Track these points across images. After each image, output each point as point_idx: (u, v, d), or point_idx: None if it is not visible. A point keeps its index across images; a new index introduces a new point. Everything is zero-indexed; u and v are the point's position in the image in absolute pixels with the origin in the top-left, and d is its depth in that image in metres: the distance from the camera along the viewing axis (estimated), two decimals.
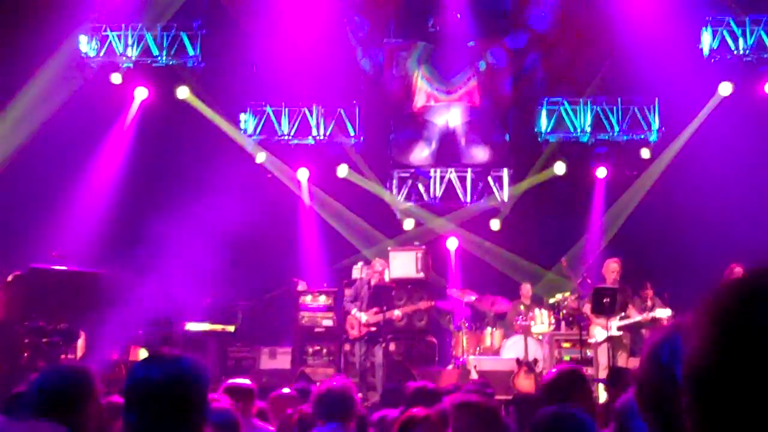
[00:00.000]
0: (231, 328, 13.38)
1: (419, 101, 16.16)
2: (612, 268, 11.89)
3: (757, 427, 1.08)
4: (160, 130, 15.21)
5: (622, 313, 11.69)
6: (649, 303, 12.42)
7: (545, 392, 4.02)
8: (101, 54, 15.21)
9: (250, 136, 15.76)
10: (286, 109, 15.76)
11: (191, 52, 15.33)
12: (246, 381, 5.67)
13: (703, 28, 14.91)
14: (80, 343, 11.35)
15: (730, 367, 1.11)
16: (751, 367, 1.09)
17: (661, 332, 1.85)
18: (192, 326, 13.11)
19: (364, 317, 11.89)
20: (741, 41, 14.76)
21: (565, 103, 15.55)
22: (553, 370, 4.69)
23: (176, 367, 2.59)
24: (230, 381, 5.62)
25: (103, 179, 14.77)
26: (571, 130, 15.52)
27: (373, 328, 11.93)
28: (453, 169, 15.87)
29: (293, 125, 15.77)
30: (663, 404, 1.80)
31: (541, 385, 3.88)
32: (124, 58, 15.27)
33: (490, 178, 15.79)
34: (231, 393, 5.08)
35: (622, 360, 11.53)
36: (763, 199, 13.95)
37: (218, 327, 13.32)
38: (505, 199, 15.73)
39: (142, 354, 11.58)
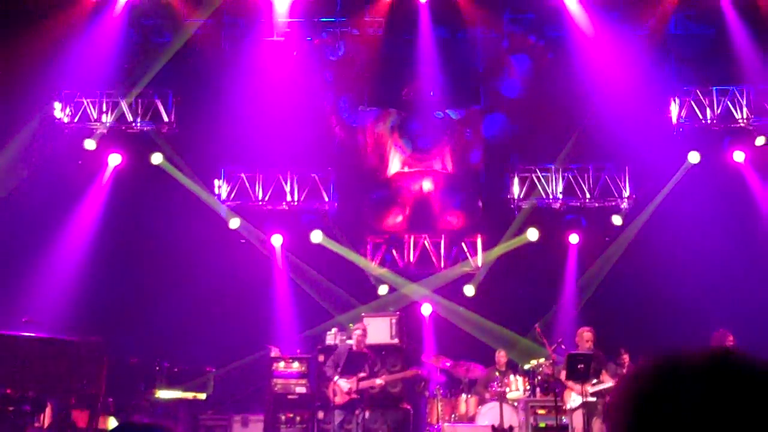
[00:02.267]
0: (202, 395, 13.19)
1: (393, 168, 16.29)
2: (586, 337, 11.92)
3: None
4: (133, 196, 15.19)
5: (596, 380, 11.68)
6: (626, 370, 12.45)
7: None
8: (75, 120, 15.22)
9: (224, 201, 15.76)
10: (260, 175, 15.81)
11: (165, 118, 15.40)
12: None
13: (672, 98, 15.24)
14: (47, 411, 11.10)
15: None
16: None
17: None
18: (163, 393, 12.90)
19: (345, 385, 11.73)
20: (708, 111, 15.09)
21: (537, 170, 15.73)
22: None
23: None
24: None
25: (76, 244, 14.67)
26: (543, 196, 15.69)
27: (356, 396, 11.77)
28: (427, 236, 15.93)
29: (267, 191, 15.81)
30: None
31: None
32: (98, 124, 15.29)
33: (463, 244, 15.86)
34: None
35: (597, 426, 11.48)
36: (732, 265, 14.13)
37: (189, 394, 13.12)
38: (479, 265, 15.78)
39: (112, 422, 11.37)
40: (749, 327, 12.27)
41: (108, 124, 15.33)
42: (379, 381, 12.10)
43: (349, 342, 12.60)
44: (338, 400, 11.76)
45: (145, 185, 15.31)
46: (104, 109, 15.34)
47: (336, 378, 11.82)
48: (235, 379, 13.84)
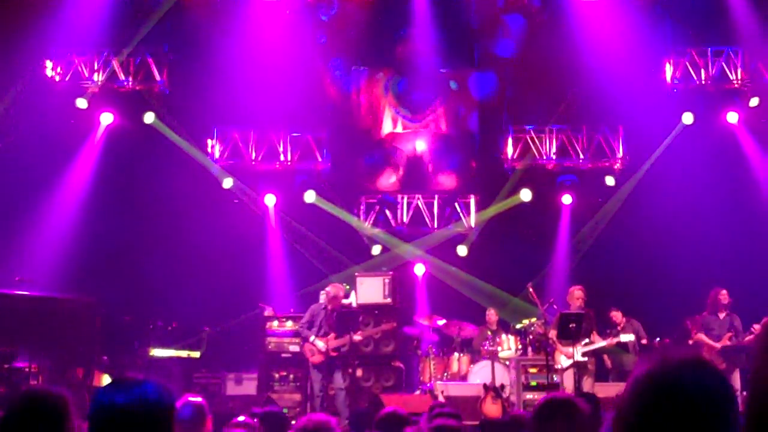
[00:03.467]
0: (196, 354, 13.28)
1: (386, 128, 16.25)
2: (576, 295, 12.01)
3: None
4: (125, 155, 15.14)
5: (587, 339, 11.79)
6: (619, 327, 12.57)
7: (534, 415, 4.05)
8: (67, 79, 15.10)
9: (216, 161, 15.72)
10: (254, 135, 15.76)
11: (158, 77, 15.30)
12: (197, 399, 5.58)
13: (666, 59, 15.18)
14: (42, 369, 11.17)
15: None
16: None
17: (646, 365, 1.88)
18: (157, 351, 12.99)
19: (321, 344, 11.74)
20: (703, 72, 15.04)
21: (531, 131, 15.71)
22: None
23: (140, 392, 2.57)
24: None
25: (69, 204, 14.65)
26: (537, 157, 15.68)
27: (333, 354, 11.80)
28: (420, 196, 15.93)
29: (260, 151, 15.78)
30: None
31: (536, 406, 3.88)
32: (89, 83, 15.19)
33: (457, 205, 15.87)
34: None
35: (588, 385, 11.61)
36: (724, 224, 14.19)
37: (183, 353, 13.21)
38: (472, 226, 15.82)
39: (106, 380, 11.45)
40: (741, 285, 12.37)
41: (99, 83, 15.22)
42: (356, 337, 12.12)
43: (322, 302, 12.62)
44: (315, 359, 11.78)
45: (138, 145, 15.25)
46: (96, 68, 15.22)
47: (311, 338, 11.82)
48: (228, 337, 13.91)
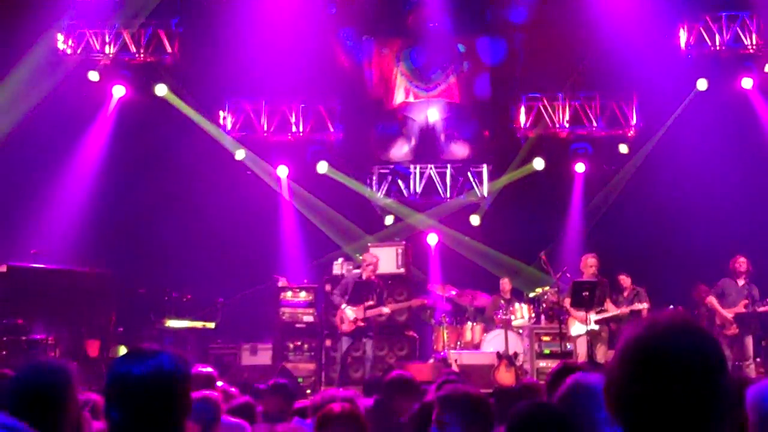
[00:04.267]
0: (211, 325, 13.37)
1: (398, 98, 16.19)
2: (590, 263, 11.99)
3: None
4: (138, 127, 15.15)
5: (600, 307, 11.79)
6: (627, 294, 12.53)
7: (547, 383, 4.09)
8: (78, 51, 15.10)
9: (229, 133, 15.72)
10: (266, 107, 15.74)
11: (169, 50, 15.26)
12: (207, 368, 5.61)
13: (680, 25, 15.03)
14: (59, 341, 11.29)
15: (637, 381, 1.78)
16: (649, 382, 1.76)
17: (634, 329, 1.88)
18: (172, 323, 13.08)
19: (351, 312, 11.87)
20: (717, 37, 14.89)
21: (544, 99, 15.62)
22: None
23: (156, 362, 2.60)
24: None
25: (82, 176, 14.70)
26: (550, 125, 15.60)
27: (362, 324, 11.92)
28: (432, 166, 15.90)
29: (272, 122, 15.76)
30: (628, 400, 1.82)
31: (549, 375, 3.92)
32: (101, 55, 15.17)
33: (469, 174, 15.84)
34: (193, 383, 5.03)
35: (601, 353, 11.64)
36: (739, 191, 14.11)
37: (198, 324, 13.30)
38: (485, 195, 15.79)
39: (122, 351, 11.56)
40: (756, 252, 12.31)
41: (111, 56, 15.21)
42: (386, 309, 12.25)
43: (356, 271, 12.71)
44: (345, 327, 11.92)
45: (150, 117, 15.25)
46: (107, 40, 15.20)
47: (343, 306, 11.95)
48: (243, 308, 13.99)
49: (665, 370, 1.76)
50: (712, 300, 12.14)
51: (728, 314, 11.84)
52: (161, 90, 15.36)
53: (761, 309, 11.69)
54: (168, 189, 14.74)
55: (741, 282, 12.07)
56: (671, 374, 1.75)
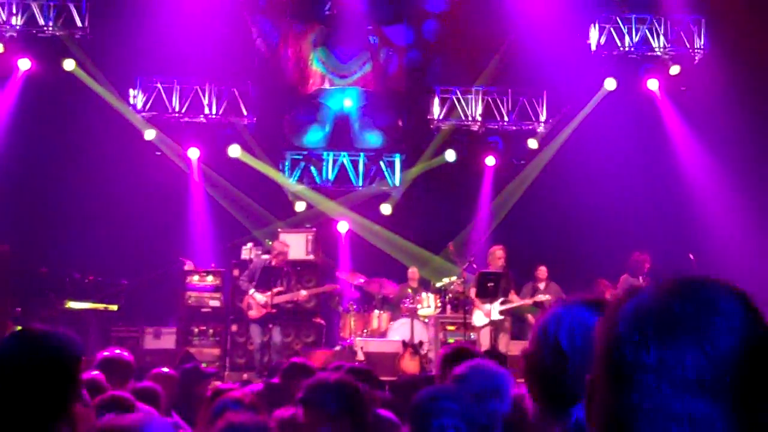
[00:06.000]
0: (114, 307, 13.10)
1: (314, 84, 16.13)
2: (497, 255, 12.22)
3: None
4: (44, 103, 14.69)
5: (504, 298, 12.02)
6: (542, 285, 12.78)
7: (440, 365, 4.19)
8: None
9: (139, 112, 15.38)
10: (178, 86, 15.45)
11: (79, 23, 14.84)
12: (124, 353, 5.53)
13: (592, 25, 15.39)
14: None
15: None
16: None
17: (550, 309, 2.03)
18: (73, 304, 12.77)
19: (260, 297, 11.78)
20: (627, 38, 15.30)
21: (457, 91, 15.78)
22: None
23: (42, 342, 2.55)
24: (106, 353, 5.46)
25: None
26: (462, 118, 15.78)
27: (273, 310, 11.84)
28: (346, 153, 15.91)
29: (184, 103, 15.49)
30: (548, 372, 1.91)
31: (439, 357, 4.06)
32: (7, 27, 14.66)
33: (382, 163, 15.91)
34: (106, 368, 4.97)
35: (503, 343, 11.88)
36: (642, 189, 14.57)
37: (101, 306, 13.01)
38: (397, 184, 15.89)
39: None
40: (660, 247, 12.70)
41: (18, 27, 14.71)
42: (303, 292, 12.21)
43: (265, 257, 12.64)
44: (253, 314, 11.83)
45: (57, 92, 14.80)
46: (14, 11, 14.69)
47: (251, 291, 11.87)
48: (147, 291, 13.75)
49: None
50: (612, 295, 12.46)
51: None
52: (69, 65, 14.92)
53: None
54: (74, 167, 14.35)
55: (641, 279, 12.42)
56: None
